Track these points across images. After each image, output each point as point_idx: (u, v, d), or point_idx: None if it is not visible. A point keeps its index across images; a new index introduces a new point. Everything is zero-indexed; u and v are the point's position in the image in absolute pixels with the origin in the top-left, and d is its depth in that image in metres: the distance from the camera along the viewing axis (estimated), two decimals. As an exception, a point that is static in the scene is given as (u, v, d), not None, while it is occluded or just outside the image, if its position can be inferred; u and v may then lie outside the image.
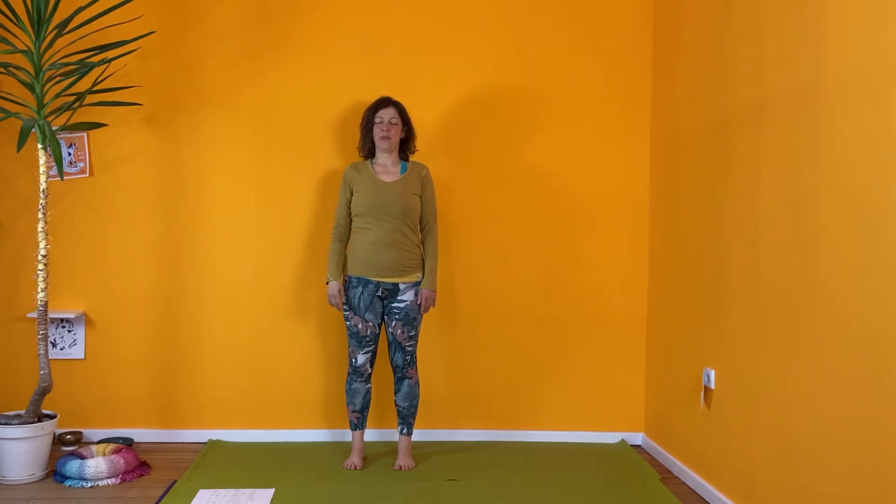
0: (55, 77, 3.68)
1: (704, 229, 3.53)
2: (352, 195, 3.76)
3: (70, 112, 3.84)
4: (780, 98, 2.86)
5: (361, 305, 3.72)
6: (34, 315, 3.88)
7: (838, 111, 2.50)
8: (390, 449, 4.04)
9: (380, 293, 3.73)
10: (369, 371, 3.80)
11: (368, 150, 3.82)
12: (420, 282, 3.77)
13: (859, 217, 2.39)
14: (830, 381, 2.53)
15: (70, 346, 4.16)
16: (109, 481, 3.52)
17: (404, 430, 3.85)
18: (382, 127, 3.73)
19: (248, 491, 3.43)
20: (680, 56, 3.87)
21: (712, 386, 3.41)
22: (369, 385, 3.83)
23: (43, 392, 3.62)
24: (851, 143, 2.43)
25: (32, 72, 3.62)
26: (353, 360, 3.77)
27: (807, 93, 2.68)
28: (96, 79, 3.90)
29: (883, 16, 2.29)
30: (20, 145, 3.48)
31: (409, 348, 3.78)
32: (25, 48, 3.64)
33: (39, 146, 3.59)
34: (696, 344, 3.62)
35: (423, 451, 4.03)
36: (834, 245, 2.52)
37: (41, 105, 3.63)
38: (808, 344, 2.66)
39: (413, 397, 3.83)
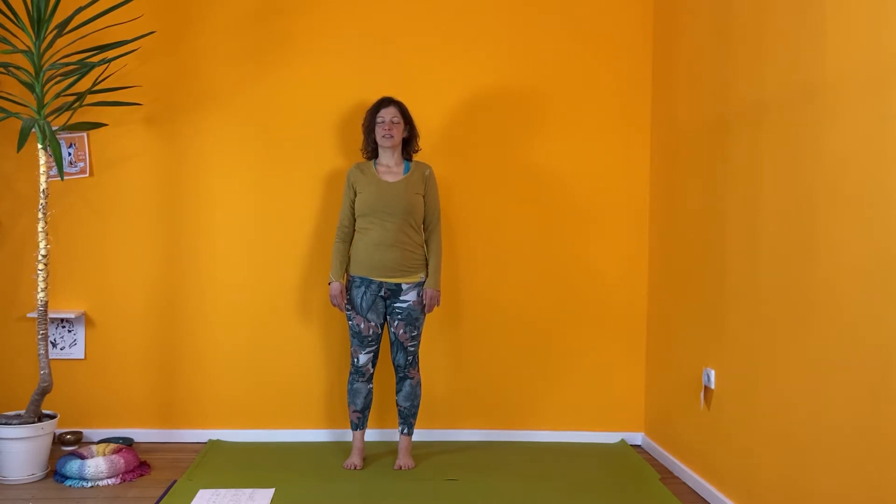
0: (55, 77, 3.68)
1: (704, 229, 3.53)
2: (355, 195, 3.76)
3: (70, 112, 3.84)
4: (780, 98, 2.86)
5: (364, 305, 3.72)
6: (34, 315, 3.88)
7: (838, 111, 2.50)
8: (390, 449, 4.04)
9: (382, 293, 3.73)
10: (371, 371, 3.80)
11: (371, 151, 3.82)
12: (423, 282, 3.77)
13: (859, 217, 2.39)
14: (830, 380, 2.53)
15: (70, 346, 4.16)
16: (109, 481, 3.52)
17: (405, 430, 3.85)
18: (384, 126, 3.72)
19: (248, 491, 3.43)
20: (680, 56, 3.87)
21: (712, 386, 3.41)
22: (371, 385, 3.82)
23: (43, 392, 3.63)
24: (851, 143, 2.43)
25: (32, 72, 3.62)
26: (355, 360, 3.77)
27: (807, 93, 2.68)
28: (96, 79, 3.90)
29: (882, 16, 2.29)
30: (20, 145, 3.49)
31: (412, 348, 3.78)
32: (25, 48, 3.64)
33: (39, 146, 3.60)
34: (696, 344, 3.62)
35: (423, 451, 4.03)
36: (833, 245, 2.52)
37: (41, 105, 3.63)
38: (808, 344, 2.66)
39: (414, 397, 3.83)
